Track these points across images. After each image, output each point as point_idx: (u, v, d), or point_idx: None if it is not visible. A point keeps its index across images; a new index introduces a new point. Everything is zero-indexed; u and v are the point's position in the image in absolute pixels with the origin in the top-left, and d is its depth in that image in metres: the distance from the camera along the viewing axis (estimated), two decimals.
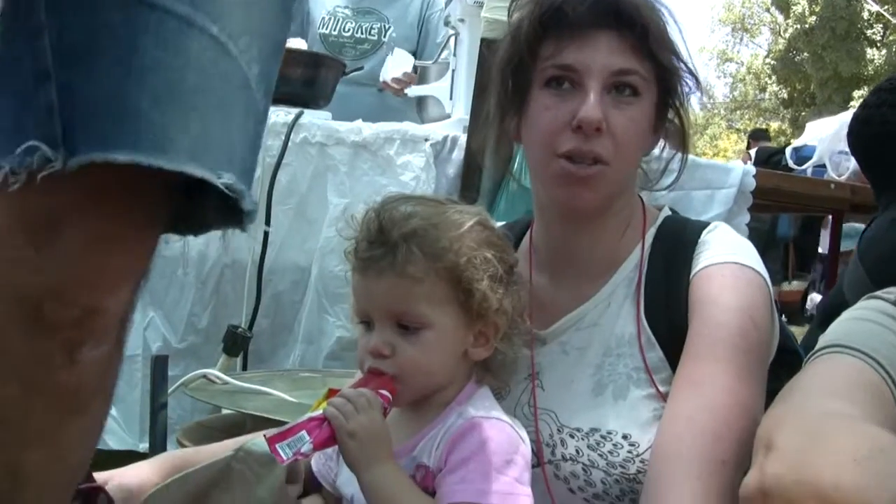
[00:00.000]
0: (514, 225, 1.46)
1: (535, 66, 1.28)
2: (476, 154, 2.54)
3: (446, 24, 3.23)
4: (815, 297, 6.61)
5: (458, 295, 1.14)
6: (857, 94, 20.95)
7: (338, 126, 2.82)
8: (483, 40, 2.62)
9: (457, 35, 3.09)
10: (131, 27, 0.70)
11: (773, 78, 25.88)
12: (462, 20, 3.01)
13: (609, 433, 1.23)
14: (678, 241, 1.32)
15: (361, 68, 3.69)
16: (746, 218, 2.91)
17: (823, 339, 1.17)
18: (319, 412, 1.09)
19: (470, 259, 1.13)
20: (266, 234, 2.70)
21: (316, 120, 2.84)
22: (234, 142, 0.77)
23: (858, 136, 2.23)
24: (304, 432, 1.06)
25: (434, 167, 2.68)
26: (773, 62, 25.47)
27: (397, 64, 3.47)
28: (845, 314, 1.22)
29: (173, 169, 0.70)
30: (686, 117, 1.35)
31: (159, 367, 2.09)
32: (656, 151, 1.37)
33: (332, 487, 1.27)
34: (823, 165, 3.86)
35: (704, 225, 1.35)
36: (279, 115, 2.77)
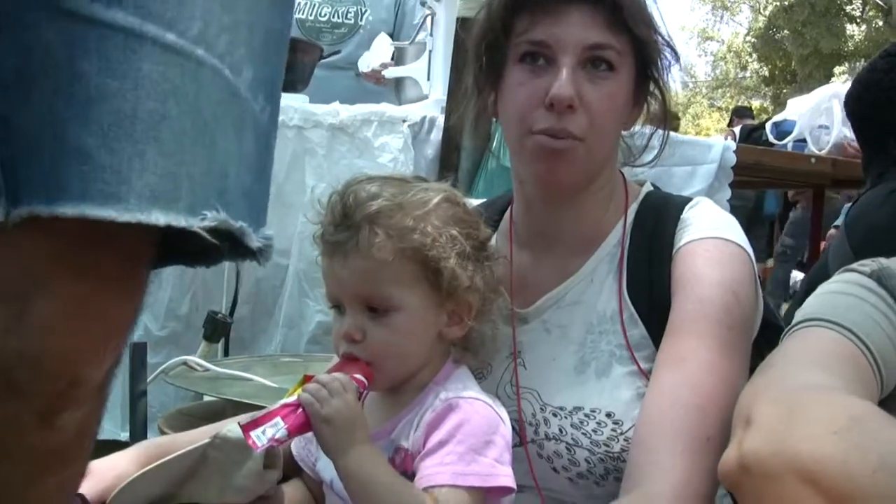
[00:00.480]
0: (494, 203, 1.44)
1: (510, 41, 1.26)
2: (454, 134, 2.52)
3: (422, 4, 3.20)
4: (797, 275, 6.63)
5: (427, 275, 1.12)
6: (837, 69, 21.03)
7: (314, 109, 2.81)
8: (459, 19, 2.60)
9: (433, 15, 3.07)
10: (68, 48, 0.59)
11: (754, 56, 25.91)
12: (438, 0, 2.99)
13: (592, 411, 1.22)
14: (660, 216, 1.31)
15: (339, 52, 3.67)
16: (728, 194, 2.92)
17: (800, 313, 1.16)
18: (294, 398, 1.07)
19: (436, 238, 1.11)
20: None
21: (292, 103, 2.82)
22: (223, 167, 0.66)
23: (858, 100, 2.22)
24: (278, 418, 1.05)
25: (412, 148, 2.67)
26: (753, 40, 25.48)
27: (377, 55, 3.44)
28: (821, 287, 1.21)
29: (129, 220, 0.60)
30: (666, 91, 1.33)
31: (138, 354, 2.08)
32: (637, 126, 1.35)
33: (312, 472, 1.26)
34: (804, 140, 3.86)
35: (687, 200, 1.33)
36: None
